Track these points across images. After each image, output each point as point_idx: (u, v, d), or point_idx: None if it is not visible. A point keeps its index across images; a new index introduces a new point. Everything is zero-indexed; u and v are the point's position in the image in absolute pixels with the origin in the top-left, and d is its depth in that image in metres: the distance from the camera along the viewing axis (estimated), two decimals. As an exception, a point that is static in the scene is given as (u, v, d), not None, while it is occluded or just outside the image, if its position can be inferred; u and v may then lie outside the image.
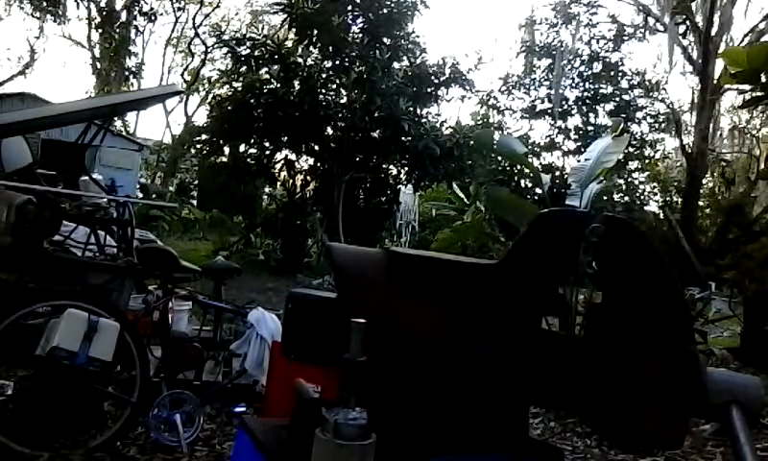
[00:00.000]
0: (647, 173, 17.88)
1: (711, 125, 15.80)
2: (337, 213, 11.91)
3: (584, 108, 15.84)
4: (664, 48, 16.86)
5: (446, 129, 12.65)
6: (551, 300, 0.64)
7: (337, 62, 12.09)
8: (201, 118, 22.94)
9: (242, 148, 12.96)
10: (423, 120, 12.33)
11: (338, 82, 12.31)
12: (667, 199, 17.05)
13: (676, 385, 0.59)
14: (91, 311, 3.12)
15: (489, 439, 0.63)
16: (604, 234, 0.59)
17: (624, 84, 16.18)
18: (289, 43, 12.74)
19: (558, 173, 14.07)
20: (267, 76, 12.43)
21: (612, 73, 15.97)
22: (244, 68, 12.37)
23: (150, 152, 22.42)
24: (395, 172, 13.67)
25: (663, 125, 16.80)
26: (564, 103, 15.71)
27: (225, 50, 13.28)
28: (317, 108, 11.48)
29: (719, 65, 13.24)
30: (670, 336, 0.59)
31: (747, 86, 4.18)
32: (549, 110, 15.78)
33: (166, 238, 12.84)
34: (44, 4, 22.87)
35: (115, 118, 16.17)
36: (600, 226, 0.58)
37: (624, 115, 14.48)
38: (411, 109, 11.86)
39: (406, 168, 13.00)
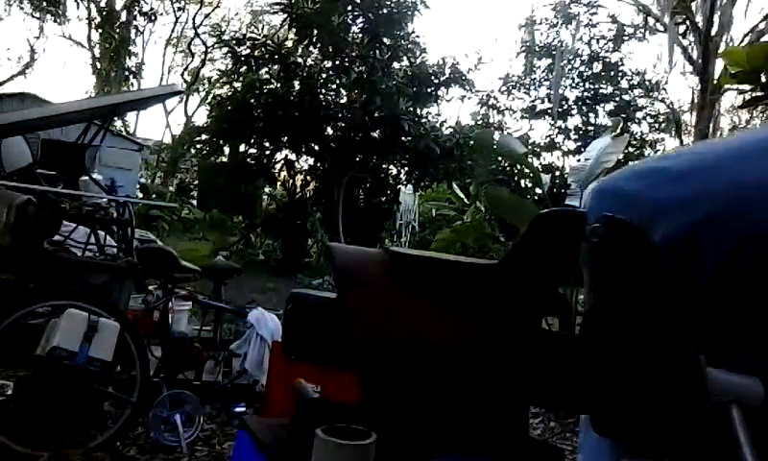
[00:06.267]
0: (647, 173, 17.85)
1: (711, 125, 15.79)
2: (337, 213, 11.91)
3: (584, 108, 15.83)
4: (664, 48, 16.86)
5: (446, 129, 12.65)
6: (551, 300, 0.64)
7: (337, 62, 12.09)
8: (201, 118, 22.97)
9: (242, 148, 12.95)
10: (423, 120, 12.34)
11: (338, 82, 12.32)
12: (667, 199, 16.97)
13: (676, 385, 0.59)
14: (91, 311, 3.13)
15: (488, 439, 0.63)
16: (604, 234, 0.59)
17: (624, 84, 16.17)
18: (289, 43, 12.74)
19: (558, 173, 14.06)
20: (267, 76, 12.44)
21: (612, 73, 15.96)
22: (244, 68, 12.38)
23: (150, 152, 22.42)
24: (395, 172, 13.67)
25: (663, 125, 16.80)
26: (563, 103, 15.70)
27: (225, 50, 13.30)
28: (317, 108, 11.48)
29: (719, 65, 13.24)
30: (670, 336, 0.59)
31: (747, 86, 4.17)
32: (549, 110, 15.76)
33: (166, 238, 12.82)
34: (44, 4, 22.91)
35: (115, 118, 16.16)
36: (600, 226, 0.59)
37: (624, 115, 14.47)
38: (411, 108, 11.86)
39: (406, 168, 13.00)
